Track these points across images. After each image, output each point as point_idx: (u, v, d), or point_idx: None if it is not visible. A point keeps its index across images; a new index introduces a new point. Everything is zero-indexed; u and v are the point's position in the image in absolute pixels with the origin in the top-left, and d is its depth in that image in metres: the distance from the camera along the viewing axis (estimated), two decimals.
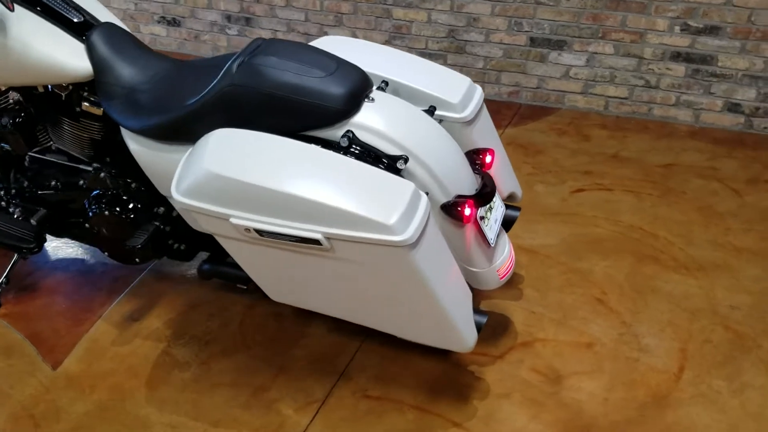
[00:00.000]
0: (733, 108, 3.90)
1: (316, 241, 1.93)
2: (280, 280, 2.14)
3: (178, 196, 2.04)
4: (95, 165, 2.54)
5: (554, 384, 2.31)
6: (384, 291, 2.00)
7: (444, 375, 2.33)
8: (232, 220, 1.99)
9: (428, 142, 2.14)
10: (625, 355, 2.43)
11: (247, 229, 1.98)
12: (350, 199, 1.90)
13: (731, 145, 3.73)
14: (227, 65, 2.16)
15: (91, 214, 2.49)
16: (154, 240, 2.46)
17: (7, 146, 2.61)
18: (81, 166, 2.56)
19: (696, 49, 3.85)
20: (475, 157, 2.34)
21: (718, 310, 2.62)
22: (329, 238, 1.92)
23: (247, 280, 2.41)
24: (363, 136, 2.09)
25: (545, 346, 2.45)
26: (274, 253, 2.05)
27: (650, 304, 2.64)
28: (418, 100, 2.35)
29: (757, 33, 3.71)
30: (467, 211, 2.11)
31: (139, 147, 2.31)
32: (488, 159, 2.32)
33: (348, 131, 2.08)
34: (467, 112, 2.33)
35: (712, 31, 3.77)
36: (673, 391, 2.29)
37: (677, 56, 3.90)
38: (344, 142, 2.07)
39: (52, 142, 2.61)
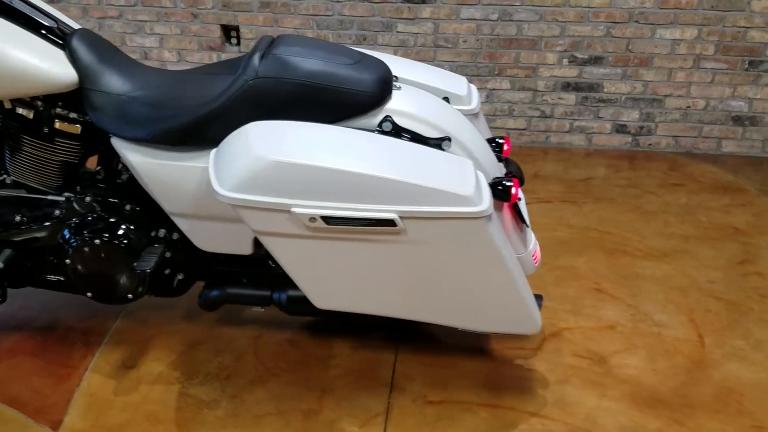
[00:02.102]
0: (621, 129, 4.08)
1: (390, 222, 1.70)
2: (335, 279, 1.86)
3: (226, 192, 1.73)
4: (67, 194, 2.12)
5: (601, 364, 2.18)
6: (456, 273, 1.80)
7: (493, 372, 2.13)
8: (295, 210, 1.70)
9: (461, 125, 2.00)
10: (647, 331, 2.35)
11: (312, 218, 1.71)
12: (423, 174, 1.70)
13: (628, 161, 3.88)
14: (246, 61, 1.91)
15: (72, 247, 2.06)
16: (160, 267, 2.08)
17: None
18: (51, 197, 2.13)
19: (583, 79, 4.00)
20: (493, 145, 2.22)
21: (700, 285, 2.63)
22: (404, 217, 1.69)
23: (267, 300, 2.09)
24: (401, 122, 1.90)
25: (573, 334, 2.32)
26: (334, 246, 1.78)
27: (642, 287, 2.60)
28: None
29: (635, 60, 3.92)
30: (514, 190, 1.97)
31: (142, 158, 1.96)
32: (505, 147, 2.20)
33: (387, 117, 1.88)
34: (474, 104, 2.22)
35: (596, 61, 3.95)
36: (705, 355, 2.24)
37: (567, 86, 4.03)
38: (387, 127, 1.87)
39: (5, 175, 2.16)
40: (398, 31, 4.03)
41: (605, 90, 3.99)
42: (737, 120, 3.96)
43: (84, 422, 1.93)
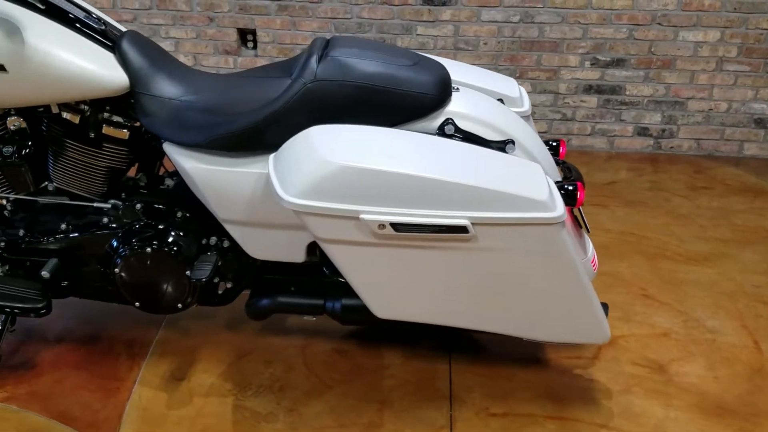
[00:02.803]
0: (643, 132, 4.02)
1: (462, 229, 1.63)
2: (399, 288, 1.78)
3: (292, 199, 1.66)
4: (113, 201, 2.03)
5: (661, 373, 2.12)
6: (527, 281, 1.73)
7: (553, 382, 2.06)
8: (364, 217, 1.63)
9: (521, 128, 1.93)
10: (701, 338, 2.29)
11: (381, 225, 1.64)
12: (495, 179, 1.63)
13: (650, 163, 3.83)
14: (303, 63, 1.83)
15: (122, 256, 1.97)
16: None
17: None
18: (97, 204, 2.04)
19: (605, 81, 3.95)
20: (548, 148, 2.15)
21: (746, 290, 2.58)
22: (476, 223, 1.62)
23: (320, 308, 2.01)
24: (462, 124, 1.83)
25: (628, 342, 2.25)
26: (401, 254, 1.71)
27: (689, 293, 2.54)
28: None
29: (657, 62, 3.87)
30: (579, 194, 1.90)
31: (196, 164, 1.87)
32: (561, 149, 2.14)
33: (448, 119, 1.81)
34: (526, 106, 2.15)
35: (618, 63, 3.89)
36: (764, 362, 2.19)
37: (589, 89, 3.97)
38: (450, 130, 1.80)
39: (47, 182, 2.07)
40: (418, 34, 3.96)
41: (627, 92, 3.94)
42: (759, 122, 3.92)
43: None
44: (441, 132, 1.83)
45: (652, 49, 3.84)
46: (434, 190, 1.63)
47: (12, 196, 2.04)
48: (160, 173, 2.23)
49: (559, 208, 1.65)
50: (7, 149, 1.89)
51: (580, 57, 3.90)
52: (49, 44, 1.80)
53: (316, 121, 1.81)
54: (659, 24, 3.79)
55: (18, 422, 1.87)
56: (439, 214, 1.64)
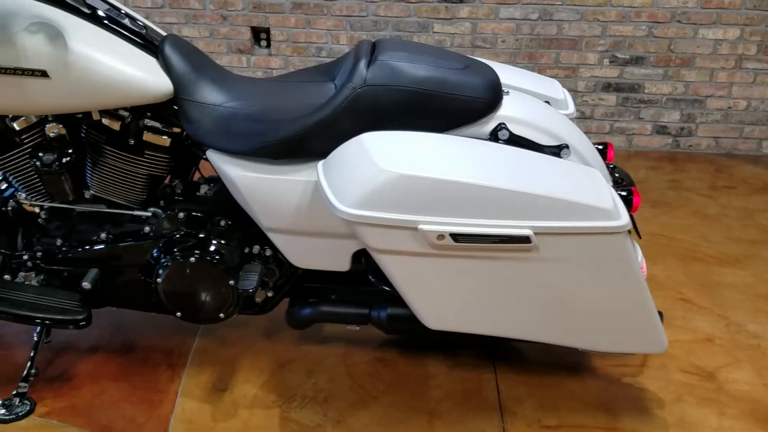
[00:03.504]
0: (661, 130, 3.98)
1: (524, 239, 1.58)
2: (453, 299, 1.73)
3: (347, 209, 1.60)
4: (153, 209, 1.97)
5: (711, 380, 2.08)
6: (588, 291, 1.68)
7: (604, 392, 2.01)
8: (422, 227, 1.57)
9: (573, 131, 1.88)
10: (745, 343, 2.26)
11: (440, 236, 1.58)
12: (559, 187, 1.58)
13: (669, 162, 3.79)
14: (351, 68, 1.77)
15: (165, 265, 1.91)
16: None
17: (21, 201, 1.96)
18: (137, 212, 1.98)
19: (624, 79, 3.90)
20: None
21: None
22: (539, 233, 1.57)
23: (365, 318, 1.96)
24: (515, 129, 1.78)
25: (673, 348, 2.21)
26: (458, 265, 1.66)
27: (726, 296, 2.51)
28: None
29: (676, 60, 3.83)
30: (634, 200, 1.85)
31: (241, 172, 1.81)
32: (609, 152, 2.08)
33: (500, 124, 1.75)
34: (571, 109, 2.09)
35: (637, 61, 3.85)
36: None
37: (608, 87, 3.93)
38: (504, 135, 1.75)
39: (84, 190, 2.00)
40: (434, 32, 3.90)
41: (646, 90, 3.90)
42: None
43: None
44: (494, 137, 1.77)
45: (672, 47, 3.79)
46: (496, 200, 1.58)
47: (47, 204, 1.97)
48: (195, 180, 2.17)
49: (624, 216, 1.61)
50: (47, 157, 1.83)
51: (599, 55, 3.86)
52: (93, 49, 1.73)
53: (365, 128, 1.76)
54: (679, 22, 3.74)
55: None
56: (500, 224, 1.59)
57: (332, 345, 2.20)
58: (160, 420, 1.89)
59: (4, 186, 2.06)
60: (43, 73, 1.70)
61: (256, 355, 2.16)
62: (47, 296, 1.91)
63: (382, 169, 1.59)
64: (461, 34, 3.90)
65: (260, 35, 4.07)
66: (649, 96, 3.90)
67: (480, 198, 1.58)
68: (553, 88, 2.11)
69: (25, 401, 1.91)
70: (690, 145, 3.99)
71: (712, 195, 3.34)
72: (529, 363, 2.11)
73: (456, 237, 1.59)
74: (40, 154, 1.84)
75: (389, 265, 1.70)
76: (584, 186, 1.62)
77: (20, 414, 1.87)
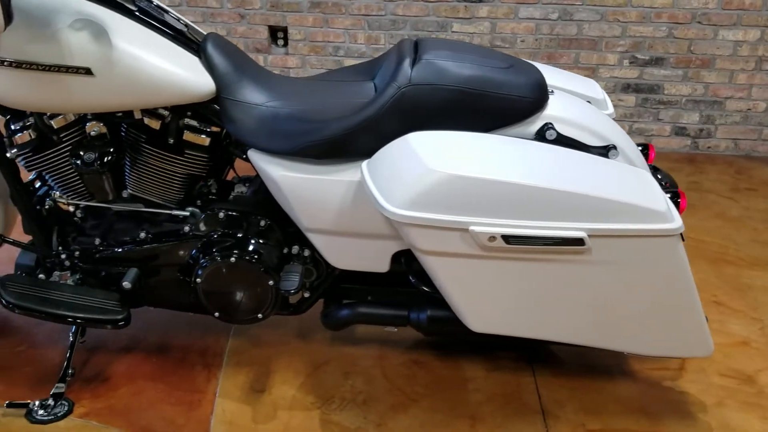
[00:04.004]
0: (680, 131, 3.96)
1: (578, 241, 1.55)
2: (500, 302, 1.71)
3: (397, 210, 1.57)
4: (191, 209, 1.94)
5: (751, 383, 2.06)
6: (639, 295, 1.66)
7: (645, 395, 1.99)
8: (474, 229, 1.55)
9: (618, 132, 1.86)
10: None
11: (492, 238, 1.56)
12: (613, 189, 1.56)
13: (688, 163, 3.77)
14: (396, 67, 1.74)
15: (205, 265, 1.89)
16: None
17: (58, 199, 1.93)
18: (176, 212, 1.95)
19: (644, 80, 3.88)
20: None
21: None
22: (593, 235, 1.55)
23: (404, 320, 1.93)
24: (561, 129, 1.76)
25: None
26: (507, 267, 1.63)
27: (759, 299, 2.49)
28: None
29: (696, 61, 3.81)
30: (682, 202, 1.83)
31: (284, 172, 1.79)
32: (650, 153, 2.06)
33: (547, 124, 1.73)
34: (610, 109, 2.07)
35: (657, 62, 3.83)
36: None
37: (627, 87, 3.91)
38: (551, 135, 1.73)
39: (122, 189, 1.98)
40: (453, 31, 3.88)
41: (666, 92, 3.88)
42: None
43: None
44: (540, 137, 1.75)
45: (692, 48, 3.77)
46: (550, 201, 1.55)
47: (84, 203, 1.95)
48: (228, 179, 2.15)
49: (677, 219, 1.59)
50: (89, 156, 1.80)
51: (618, 55, 3.84)
52: (137, 48, 1.71)
53: (409, 127, 1.73)
54: (699, 23, 3.72)
55: None
56: (554, 225, 1.57)
57: (366, 346, 2.17)
58: (200, 422, 1.86)
59: (38, 184, 2.03)
60: (87, 71, 1.67)
61: (291, 355, 2.13)
62: (85, 296, 1.89)
63: (432, 170, 1.57)
64: (480, 33, 3.88)
65: (277, 34, 4.04)
66: (669, 97, 3.88)
67: (533, 199, 1.55)
68: (592, 88, 2.09)
69: (63, 402, 1.88)
70: (709, 147, 3.97)
71: (734, 197, 3.32)
72: (567, 366, 2.09)
73: (507, 239, 1.57)
74: (81, 153, 1.81)
75: (435, 267, 1.68)
76: (637, 188, 1.60)
77: (59, 415, 1.84)
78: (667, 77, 3.85)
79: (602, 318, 1.69)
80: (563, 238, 1.56)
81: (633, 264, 1.61)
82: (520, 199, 1.55)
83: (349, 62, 4.01)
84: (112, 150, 1.83)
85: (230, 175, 2.15)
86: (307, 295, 2.02)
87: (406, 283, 2.01)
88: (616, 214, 1.55)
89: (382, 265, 1.91)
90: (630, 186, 1.60)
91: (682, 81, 3.86)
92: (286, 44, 4.04)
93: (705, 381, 2.05)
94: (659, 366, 2.10)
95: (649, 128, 3.95)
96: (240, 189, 2.08)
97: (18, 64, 1.65)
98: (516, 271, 1.64)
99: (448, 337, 2.14)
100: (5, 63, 1.65)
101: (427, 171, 1.57)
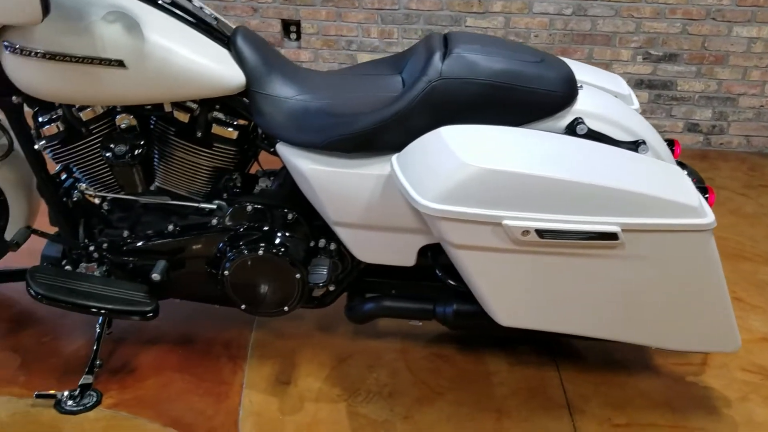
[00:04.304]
0: (693, 128, 3.96)
1: (612, 236, 1.56)
2: (530, 296, 1.71)
3: (430, 203, 1.58)
4: (218, 202, 1.95)
5: None
6: (671, 290, 1.66)
7: (669, 390, 2.00)
8: (507, 223, 1.55)
9: (647, 127, 1.86)
10: None
11: (525, 232, 1.56)
12: (647, 183, 1.56)
13: (702, 160, 3.77)
14: (426, 61, 1.74)
15: (233, 258, 1.89)
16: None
17: (85, 192, 1.94)
18: (203, 205, 1.95)
19: (657, 76, 3.88)
20: None
21: None
22: (626, 230, 1.55)
23: (429, 313, 1.94)
24: (591, 124, 1.76)
25: None
26: (539, 261, 1.64)
27: None
28: None
29: (710, 57, 3.81)
30: (710, 198, 1.84)
31: (313, 166, 1.79)
32: (676, 149, 2.06)
33: (577, 119, 1.73)
34: (636, 104, 2.07)
35: (670, 58, 3.83)
36: None
37: (641, 83, 3.90)
38: (582, 130, 1.73)
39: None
40: (467, 26, 3.88)
41: (679, 88, 3.88)
42: None
43: None
44: (570, 132, 1.75)
45: (705, 45, 3.77)
46: (584, 195, 1.56)
47: (111, 195, 1.95)
48: (257, 173, 2.16)
49: (710, 214, 1.59)
50: (120, 148, 1.80)
51: (632, 51, 3.83)
52: (169, 40, 1.71)
53: (440, 121, 1.74)
54: (713, 19, 3.72)
55: (134, 430, 1.79)
56: (588, 220, 1.57)
57: (388, 340, 2.18)
58: (229, 412, 1.87)
59: (63, 176, 2.04)
60: (120, 63, 1.67)
61: (314, 348, 2.14)
62: (114, 287, 1.89)
63: (466, 164, 1.57)
64: (494, 28, 3.87)
65: (290, 28, 4.03)
66: (682, 93, 3.88)
67: (567, 193, 1.56)
68: (618, 84, 2.09)
69: (91, 393, 1.89)
70: (721, 143, 3.97)
71: (747, 194, 3.33)
72: (590, 361, 2.09)
73: (541, 233, 1.58)
74: (112, 146, 1.81)
75: (466, 261, 1.68)
76: (670, 183, 1.61)
77: (88, 405, 1.85)
78: (681, 73, 3.85)
79: (633, 313, 1.70)
80: (597, 232, 1.56)
81: (665, 259, 1.61)
82: (554, 194, 1.56)
83: (362, 56, 4.01)
84: (142, 143, 1.83)
85: (252, 169, 2.15)
86: (332, 288, 2.03)
87: (429, 277, 2.01)
88: (650, 208, 1.56)
89: (409, 259, 1.91)
90: (663, 181, 1.60)
91: (695, 77, 3.86)
92: (298, 38, 4.03)
93: (728, 376, 2.06)
94: (682, 361, 2.10)
95: (661, 124, 3.95)
96: (264, 182, 2.08)
97: (51, 56, 1.65)
98: (547, 266, 1.65)
99: (472, 331, 2.14)
100: (38, 54, 1.65)
101: (461, 165, 1.57)
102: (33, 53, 1.66)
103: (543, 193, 1.56)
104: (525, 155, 1.59)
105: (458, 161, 1.58)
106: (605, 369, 2.06)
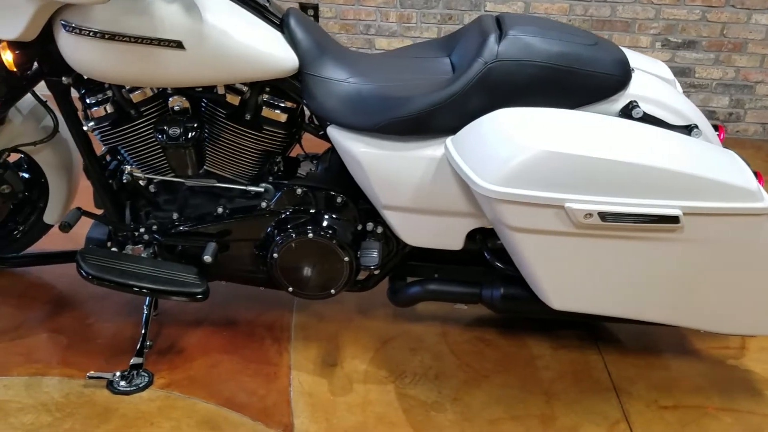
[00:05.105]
0: (710, 115, 3.97)
1: (672, 219, 1.57)
2: (586, 279, 1.72)
3: (492, 186, 1.58)
4: (265, 185, 1.94)
5: None
6: (728, 273, 1.68)
7: (712, 373, 2.02)
8: (570, 206, 1.56)
9: (697, 112, 1.87)
10: None
11: (588, 215, 1.57)
12: (708, 167, 1.57)
13: None
14: (482, 42, 1.74)
15: (282, 241, 1.89)
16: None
17: (135, 174, 1.93)
18: (251, 188, 1.95)
19: (676, 63, 3.89)
20: None
21: None
22: (687, 213, 1.56)
23: (476, 297, 1.95)
24: (646, 107, 1.76)
25: None
26: (598, 245, 1.65)
27: None
28: None
29: (728, 45, 3.81)
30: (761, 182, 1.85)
31: (366, 149, 1.79)
32: (720, 135, 2.08)
33: (632, 102, 1.74)
34: (680, 88, 2.08)
35: (689, 45, 3.83)
36: None
37: None
38: (638, 113, 1.73)
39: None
40: (487, 10, 3.86)
41: (697, 75, 3.88)
42: None
43: (317, 425, 1.78)
44: (624, 115, 1.76)
45: (724, 32, 3.77)
46: (647, 178, 1.56)
47: (160, 178, 1.95)
48: (298, 156, 2.15)
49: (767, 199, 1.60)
50: (174, 130, 1.80)
51: (651, 38, 3.83)
52: (226, 22, 1.70)
53: (495, 104, 1.73)
54: (732, 6, 3.72)
55: (189, 410, 1.80)
56: (650, 203, 1.58)
57: (428, 323, 2.19)
58: (280, 392, 1.88)
59: (108, 158, 2.03)
60: (179, 45, 1.67)
61: (356, 331, 2.15)
62: (164, 269, 1.89)
63: (529, 147, 1.57)
64: (514, 12, 3.86)
65: (308, 11, 4.01)
66: (700, 81, 3.89)
67: (629, 176, 1.56)
68: (662, 69, 2.09)
69: (143, 373, 1.89)
70: (737, 131, 3.98)
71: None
72: (630, 344, 2.11)
73: (603, 216, 1.58)
74: (166, 128, 1.80)
75: (523, 244, 1.69)
76: (729, 167, 1.62)
77: (140, 386, 1.85)
78: (699, 60, 3.86)
79: (688, 296, 1.71)
80: (658, 215, 1.57)
81: (723, 242, 1.62)
82: (616, 176, 1.56)
83: (380, 41, 4.00)
84: (196, 125, 1.82)
85: (293, 152, 2.15)
86: (377, 271, 2.03)
87: (471, 261, 2.02)
88: (711, 192, 1.57)
89: (457, 243, 1.92)
90: (722, 165, 1.61)
91: (713, 64, 3.86)
92: (316, 21, 4.00)
93: None
94: (720, 345, 2.12)
95: None
96: (307, 166, 2.08)
97: (110, 36, 1.64)
98: (606, 249, 1.65)
99: (517, 315, 2.15)
100: (97, 34, 1.64)
101: (524, 147, 1.57)
102: (91, 33, 1.64)
103: (606, 176, 1.56)
104: (586, 138, 1.60)
105: (521, 144, 1.58)
106: (646, 352, 2.08)
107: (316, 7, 4.00)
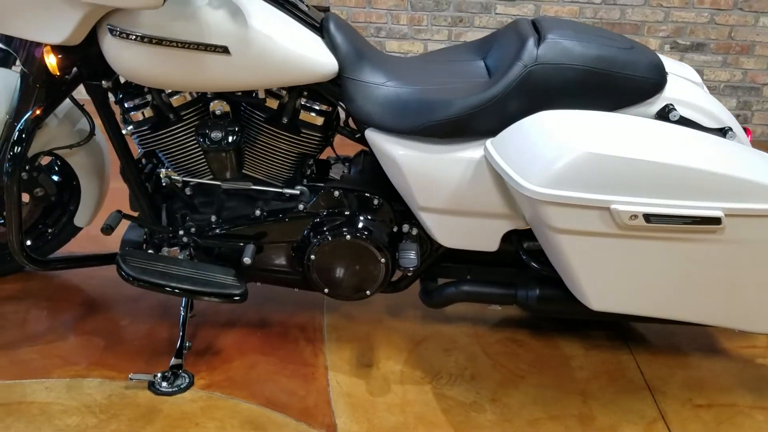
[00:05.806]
0: None
1: (715, 220, 1.59)
2: (627, 280, 1.74)
3: (537, 188, 1.59)
4: (300, 188, 1.96)
5: None
6: (763, 273, 1.70)
7: (743, 372, 2.05)
8: (615, 207, 1.58)
9: (728, 114, 1.89)
10: None
11: (633, 216, 1.59)
12: (748, 169, 1.60)
13: None
14: (520, 46, 1.76)
15: (319, 243, 1.90)
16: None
17: (173, 177, 1.94)
18: (287, 190, 1.96)
19: None
20: None
21: None
22: (729, 215, 1.58)
23: (511, 298, 1.97)
24: (681, 110, 1.79)
25: None
26: (641, 246, 1.67)
27: None
28: None
29: (736, 47, 3.85)
30: None
31: (405, 151, 1.81)
32: (748, 137, 2.10)
33: (668, 105, 1.76)
34: (707, 92, 2.10)
35: (698, 47, 3.87)
36: None
37: None
38: (675, 116, 1.76)
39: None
40: (497, 13, 3.89)
41: (705, 77, 3.92)
42: None
43: (359, 426, 1.79)
44: (661, 118, 1.78)
45: (732, 35, 3.81)
46: (690, 180, 1.58)
47: (196, 180, 1.95)
48: (328, 158, 2.16)
49: None
50: (216, 134, 1.81)
51: (660, 40, 3.87)
52: (270, 28, 1.71)
53: (534, 106, 1.75)
54: (741, 9, 3.76)
55: (232, 410, 1.80)
56: (693, 204, 1.60)
57: (459, 324, 2.20)
58: (320, 393, 1.89)
59: (144, 161, 2.04)
60: (225, 50, 1.67)
61: (388, 332, 2.16)
62: (204, 271, 1.90)
63: (573, 148, 1.59)
64: (524, 15, 3.88)
65: None
66: (708, 83, 3.92)
67: (673, 178, 1.58)
68: (691, 73, 2.11)
69: (184, 374, 1.90)
70: None
71: None
72: (660, 344, 2.13)
73: (648, 217, 1.60)
74: (208, 132, 1.81)
75: (565, 245, 1.70)
76: (766, 168, 1.64)
77: (182, 387, 1.86)
78: (707, 63, 3.89)
79: (726, 296, 1.73)
80: (701, 216, 1.59)
81: (762, 242, 1.64)
82: (660, 178, 1.58)
83: (390, 44, 4.01)
84: (237, 129, 1.83)
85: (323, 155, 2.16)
86: (409, 273, 2.04)
87: (503, 261, 2.03)
88: (752, 193, 1.59)
89: (493, 244, 1.93)
90: (760, 166, 1.64)
91: (721, 67, 3.90)
92: None
93: None
94: (748, 344, 2.15)
95: None
96: (339, 168, 2.09)
97: (157, 41, 1.65)
98: (647, 250, 1.67)
99: (551, 316, 2.17)
100: (143, 39, 1.64)
101: (568, 149, 1.59)
102: (137, 37, 1.65)
103: (650, 178, 1.58)
104: (630, 140, 1.62)
105: (566, 146, 1.60)
106: (676, 352, 2.10)
107: (327, 10, 3.99)
